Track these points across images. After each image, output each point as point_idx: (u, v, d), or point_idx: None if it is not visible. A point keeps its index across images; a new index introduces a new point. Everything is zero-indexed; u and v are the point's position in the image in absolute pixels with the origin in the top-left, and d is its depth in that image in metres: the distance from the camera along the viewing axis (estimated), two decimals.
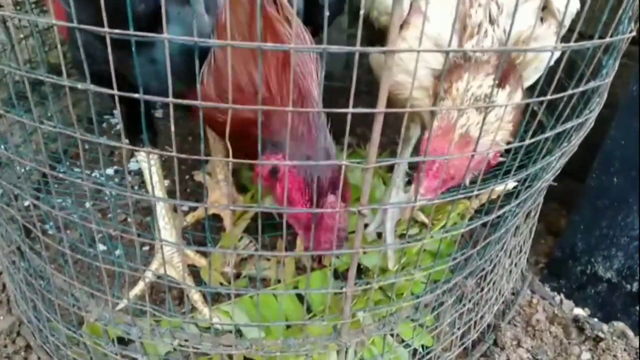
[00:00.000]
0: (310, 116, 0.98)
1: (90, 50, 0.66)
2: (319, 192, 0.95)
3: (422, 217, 1.59)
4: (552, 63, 1.02)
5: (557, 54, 1.05)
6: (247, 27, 0.94)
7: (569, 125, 0.95)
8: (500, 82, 1.04)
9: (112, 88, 0.66)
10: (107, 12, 0.59)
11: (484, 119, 0.81)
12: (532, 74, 1.13)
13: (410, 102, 1.13)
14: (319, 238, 1.00)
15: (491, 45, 1.04)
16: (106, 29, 0.58)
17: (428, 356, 1.26)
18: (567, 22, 1.08)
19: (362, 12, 0.56)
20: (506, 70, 1.04)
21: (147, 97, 0.64)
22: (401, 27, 1.14)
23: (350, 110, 0.67)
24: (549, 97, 0.80)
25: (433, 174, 1.01)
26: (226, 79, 0.88)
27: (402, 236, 1.57)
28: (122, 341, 1.19)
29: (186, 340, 1.02)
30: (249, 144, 0.92)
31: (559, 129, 0.92)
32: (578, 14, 0.98)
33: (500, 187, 1.04)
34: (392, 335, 1.22)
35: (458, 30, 1.06)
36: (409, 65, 1.08)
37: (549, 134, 0.89)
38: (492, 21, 1.05)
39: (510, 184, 1.09)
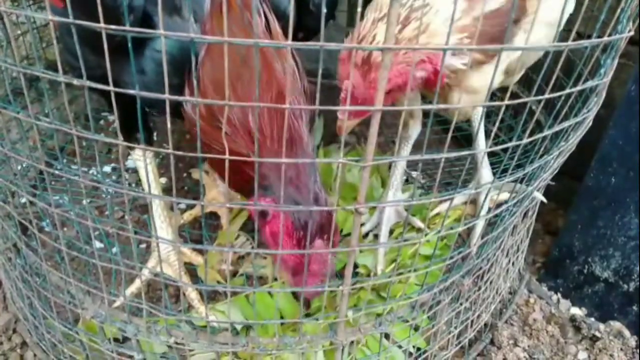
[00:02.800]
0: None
1: (83, 56, 0.66)
2: (306, 237, 0.96)
3: (418, 223, 1.59)
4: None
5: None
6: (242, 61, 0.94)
7: (566, 124, 0.95)
8: None
9: (105, 92, 0.66)
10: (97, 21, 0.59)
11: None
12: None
13: None
14: (306, 282, 1.02)
15: None
16: (102, 25, 0.58)
17: (424, 355, 1.26)
18: None
19: (359, 9, 0.56)
20: None
21: (143, 93, 0.64)
22: None
23: (348, 108, 0.67)
24: (547, 95, 0.79)
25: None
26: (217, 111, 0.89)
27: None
28: (118, 339, 1.19)
29: (182, 338, 1.02)
30: (241, 180, 0.93)
31: (557, 128, 0.92)
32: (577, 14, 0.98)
33: (503, 196, 1.05)
34: (387, 336, 1.22)
35: None
36: None
37: (546, 132, 0.89)
38: None
39: (504, 195, 1.09)
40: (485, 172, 1.56)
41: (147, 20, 0.91)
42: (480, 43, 0.93)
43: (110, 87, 0.65)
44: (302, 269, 0.96)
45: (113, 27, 0.59)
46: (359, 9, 0.57)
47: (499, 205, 1.05)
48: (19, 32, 1.77)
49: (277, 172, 0.94)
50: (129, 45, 0.64)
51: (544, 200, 1.37)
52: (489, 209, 1.10)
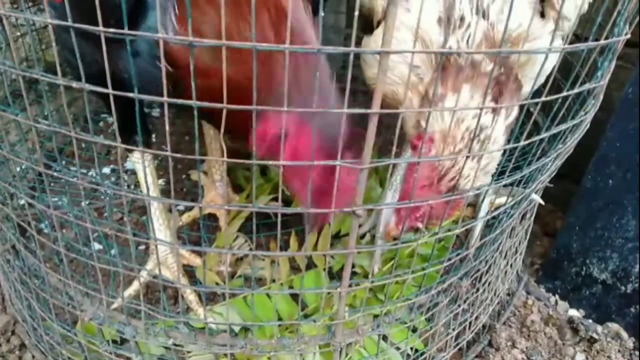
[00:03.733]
0: (314, 64, 0.85)
1: (80, 50, 0.66)
2: (335, 149, 0.80)
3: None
4: (547, 70, 1.01)
5: (553, 61, 1.03)
6: None
7: (564, 126, 0.95)
8: (496, 102, 1.00)
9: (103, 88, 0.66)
10: (89, 10, 0.59)
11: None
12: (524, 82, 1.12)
13: (394, 98, 1.12)
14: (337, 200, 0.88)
15: (478, 43, 1.00)
16: (100, 28, 0.58)
17: (422, 357, 1.26)
18: (570, 15, 1.03)
19: (356, 13, 0.56)
20: (502, 82, 1.01)
21: (142, 96, 0.64)
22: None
23: (345, 110, 0.67)
24: (544, 98, 0.80)
25: (415, 218, 1.02)
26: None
27: (394, 240, 1.56)
28: (116, 340, 1.19)
29: (181, 340, 1.02)
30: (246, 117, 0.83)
31: (555, 130, 0.92)
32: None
33: (500, 200, 1.06)
34: (384, 337, 1.22)
35: (444, 23, 1.02)
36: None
37: (544, 135, 0.89)
38: (479, 11, 1.00)
39: (501, 199, 1.10)
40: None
41: (138, 4, 0.89)
42: None
43: (109, 90, 0.65)
44: (331, 188, 0.81)
45: (112, 30, 0.60)
46: (356, 12, 0.58)
47: (496, 208, 1.06)
48: (18, 34, 1.78)
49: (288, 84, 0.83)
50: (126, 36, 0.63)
51: (542, 202, 1.37)
52: (487, 211, 1.11)
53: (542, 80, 1.03)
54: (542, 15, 1.07)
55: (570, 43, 0.75)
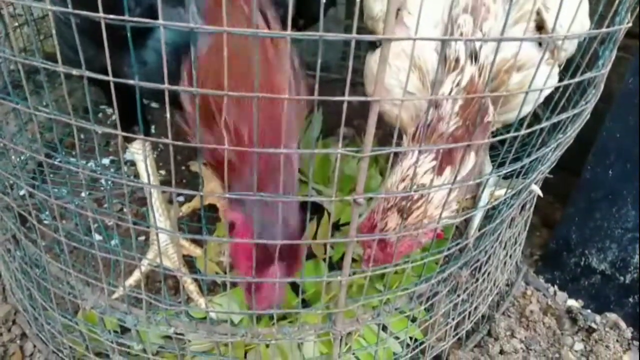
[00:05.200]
0: (282, 180, 0.90)
1: (82, 48, 0.66)
2: (265, 260, 0.91)
3: None
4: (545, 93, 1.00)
5: (552, 83, 1.03)
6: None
7: (564, 116, 0.95)
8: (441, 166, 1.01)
9: (103, 84, 0.66)
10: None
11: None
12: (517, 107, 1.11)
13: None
14: (257, 301, 0.98)
15: (467, 83, 1.00)
16: (101, 14, 0.58)
17: (422, 346, 1.26)
18: (566, 45, 1.04)
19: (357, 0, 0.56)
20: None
21: (143, 83, 0.64)
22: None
23: (346, 98, 0.67)
24: (544, 87, 0.80)
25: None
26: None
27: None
28: (117, 331, 1.19)
29: (182, 329, 1.02)
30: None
31: (555, 120, 0.93)
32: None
33: (500, 192, 1.06)
34: (384, 327, 1.22)
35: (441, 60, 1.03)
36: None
37: (544, 124, 0.89)
38: (472, 55, 1.01)
39: (500, 191, 1.11)
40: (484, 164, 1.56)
41: (152, 12, 0.90)
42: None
43: (110, 77, 0.65)
44: (251, 289, 0.95)
45: (112, 16, 0.59)
46: (358, 0, 0.58)
47: (496, 199, 1.06)
48: (16, 24, 1.77)
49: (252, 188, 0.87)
50: (129, 35, 0.63)
51: (541, 194, 1.37)
52: (487, 202, 1.11)
53: (529, 109, 1.03)
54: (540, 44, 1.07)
55: None
